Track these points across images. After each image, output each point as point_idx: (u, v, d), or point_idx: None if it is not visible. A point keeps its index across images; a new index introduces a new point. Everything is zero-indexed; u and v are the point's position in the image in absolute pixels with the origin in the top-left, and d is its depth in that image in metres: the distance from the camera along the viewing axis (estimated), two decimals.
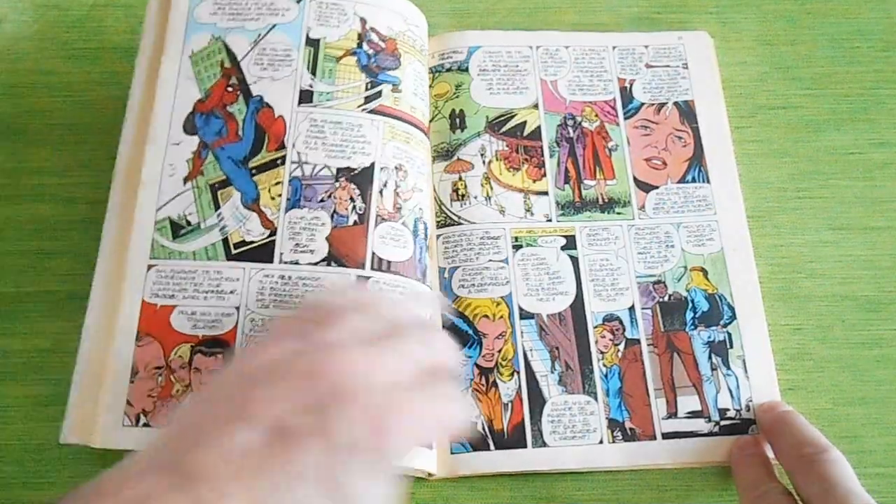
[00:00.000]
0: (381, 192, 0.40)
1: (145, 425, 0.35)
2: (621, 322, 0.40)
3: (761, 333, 0.40)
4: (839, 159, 0.45)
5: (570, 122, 0.44)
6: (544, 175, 0.43)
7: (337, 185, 0.39)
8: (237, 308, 0.37)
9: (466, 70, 0.46)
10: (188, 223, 0.39)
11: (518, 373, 0.39)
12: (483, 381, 0.39)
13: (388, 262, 0.38)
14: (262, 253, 0.38)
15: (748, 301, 0.41)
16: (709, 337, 0.40)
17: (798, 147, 0.45)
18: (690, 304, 0.41)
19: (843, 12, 0.48)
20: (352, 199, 0.39)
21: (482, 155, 0.44)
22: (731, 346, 0.40)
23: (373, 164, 0.40)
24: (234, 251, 0.38)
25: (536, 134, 0.44)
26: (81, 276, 0.41)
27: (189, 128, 0.40)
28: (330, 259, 0.38)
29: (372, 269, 0.38)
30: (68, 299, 0.41)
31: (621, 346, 0.40)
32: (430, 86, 0.45)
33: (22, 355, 0.40)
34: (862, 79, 0.47)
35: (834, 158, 0.45)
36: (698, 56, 0.46)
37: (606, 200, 0.43)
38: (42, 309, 0.41)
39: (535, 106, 0.45)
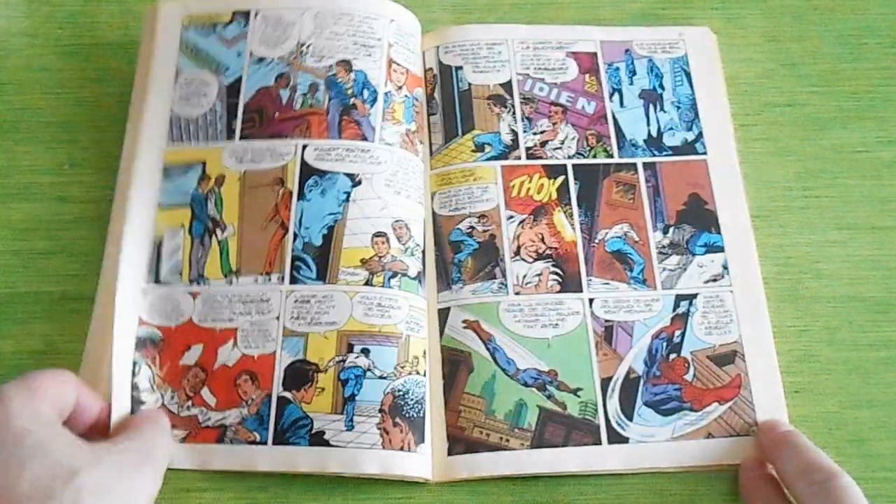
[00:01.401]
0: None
1: None
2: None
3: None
4: (846, 158, 0.44)
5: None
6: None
7: None
8: None
9: None
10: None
11: None
12: None
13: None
14: None
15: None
16: None
17: (804, 145, 0.44)
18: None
19: (850, 8, 0.48)
20: None
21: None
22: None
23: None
24: None
25: None
26: (75, 276, 0.41)
27: None
28: None
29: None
30: (62, 300, 0.40)
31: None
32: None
33: (14, 357, 0.39)
34: (870, 76, 0.46)
35: (841, 157, 0.44)
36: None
37: None
38: (35, 310, 0.40)
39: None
